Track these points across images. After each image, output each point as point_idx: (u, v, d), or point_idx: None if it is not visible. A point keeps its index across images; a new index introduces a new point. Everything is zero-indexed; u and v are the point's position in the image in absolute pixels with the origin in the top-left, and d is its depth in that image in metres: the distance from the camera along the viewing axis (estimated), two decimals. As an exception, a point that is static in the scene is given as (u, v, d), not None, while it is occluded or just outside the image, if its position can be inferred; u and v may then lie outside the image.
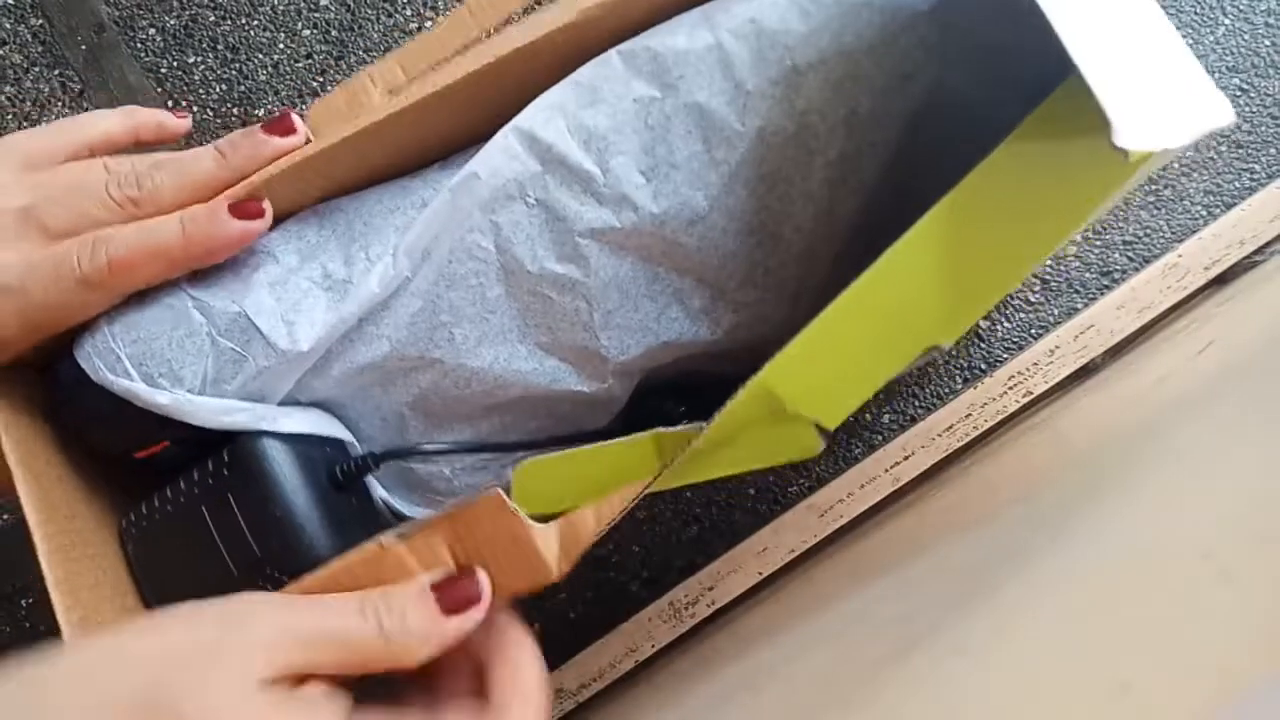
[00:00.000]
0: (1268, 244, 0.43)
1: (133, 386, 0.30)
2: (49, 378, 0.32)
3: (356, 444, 0.34)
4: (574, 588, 0.44)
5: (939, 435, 0.42)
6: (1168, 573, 0.20)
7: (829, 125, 0.30)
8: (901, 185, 0.33)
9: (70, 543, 0.30)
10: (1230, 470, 0.23)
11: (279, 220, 0.32)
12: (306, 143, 0.31)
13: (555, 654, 0.43)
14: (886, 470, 0.42)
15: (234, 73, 0.52)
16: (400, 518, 0.36)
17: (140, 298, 0.31)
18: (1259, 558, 0.18)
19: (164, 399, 0.30)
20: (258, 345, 0.31)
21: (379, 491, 0.35)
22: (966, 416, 0.42)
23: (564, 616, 0.43)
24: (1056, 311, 0.44)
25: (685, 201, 0.31)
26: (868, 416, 0.43)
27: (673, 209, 0.31)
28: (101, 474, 0.34)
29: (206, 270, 0.31)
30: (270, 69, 0.52)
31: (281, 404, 0.32)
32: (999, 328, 0.44)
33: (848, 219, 0.34)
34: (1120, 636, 0.19)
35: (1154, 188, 0.45)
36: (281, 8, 0.53)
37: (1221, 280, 0.43)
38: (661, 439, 0.28)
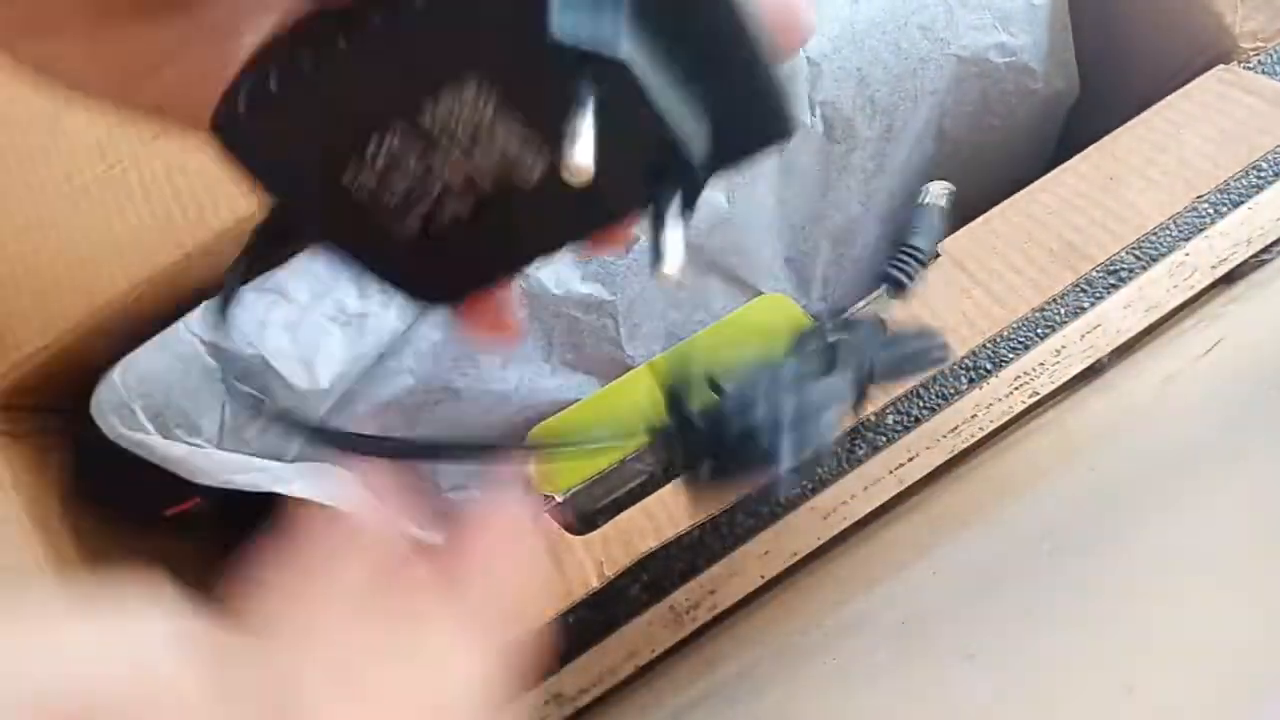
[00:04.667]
0: (1275, 242, 0.43)
1: (148, 440, 0.29)
2: (69, 445, 0.31)
3: None
4: (575, 591, 0.43)
5: (944, 436, 0.41)
6: (1173, 575, 0.20)
7: (848, 114, 0.30)
8: (941, 168, 0.33)
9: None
10: (1238, 470, 0.23)
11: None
12: None
13: (554, 659, 0.43)
14: (891, 472, 0.41)
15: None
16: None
17: (152, 348, 0.30)
18: (1265, 560, 0.18)
19: (179, 451, 0.29)
20: (277, 387, 0.30)
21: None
22: (972, 417, 0.41)
23: (562, 621, 0.43)
24: (1063, 311, 0.44)
25: (706, 203, 0.30)
26: (871, 417, 0.42)
27: (694, 214, 0.30)
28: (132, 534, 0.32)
29: (217, 316, 0.31)
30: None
31: (298, 460, 0.31)
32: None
33: (879, 204, 0.33)
34: (1125, 639, 0.19)
35: (1160, 186, 0.45)
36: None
37: (1229, 279, 0.43)
38: (655, 366, 0.28)
